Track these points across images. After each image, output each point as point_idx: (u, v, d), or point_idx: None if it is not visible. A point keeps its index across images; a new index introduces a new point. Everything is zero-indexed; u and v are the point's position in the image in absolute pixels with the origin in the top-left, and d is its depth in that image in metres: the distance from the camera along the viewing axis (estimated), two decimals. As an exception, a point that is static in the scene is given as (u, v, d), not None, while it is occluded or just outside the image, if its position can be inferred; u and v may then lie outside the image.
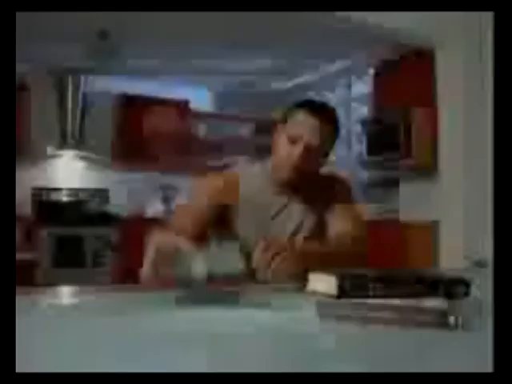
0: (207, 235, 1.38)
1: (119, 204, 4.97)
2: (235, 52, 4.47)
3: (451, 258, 3.35)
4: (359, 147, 4.50)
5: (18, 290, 0.73)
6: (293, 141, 1.33)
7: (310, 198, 1.46)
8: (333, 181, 1.54)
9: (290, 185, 1.39)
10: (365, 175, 4.87)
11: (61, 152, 4.88)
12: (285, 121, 1.39)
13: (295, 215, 1.45)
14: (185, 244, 0.91)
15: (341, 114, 5.23)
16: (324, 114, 1.35)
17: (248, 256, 1.07)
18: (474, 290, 0.81)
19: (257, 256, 1.04)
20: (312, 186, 1.45)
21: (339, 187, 1.51)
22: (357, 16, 3.02)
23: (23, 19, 2.23)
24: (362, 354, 0.63)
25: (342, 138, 5.21)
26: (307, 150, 1.32)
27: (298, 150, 1.32)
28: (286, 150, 1.34)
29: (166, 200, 5.20)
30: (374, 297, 0.78)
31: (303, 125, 1.33)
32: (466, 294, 0.81)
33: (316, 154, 1.35)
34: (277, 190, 1.43)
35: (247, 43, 4.21)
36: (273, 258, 1.03)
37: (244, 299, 0.99)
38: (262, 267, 1.03)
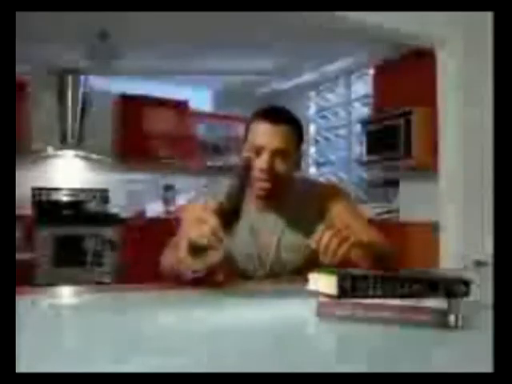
0: None
1: (119, 204, 4.98)
2: (235, 52, 4.47)
3: (451, 258, 3.35)
4: (359, 147, 4.50)
5: (18, 289, 0.73)
6: (257, 152, 1.32)
7: (291, 206, 1.42)
8: (318, 187, 1.51)
9: (270, 196, 1.37)
10: (365, 175, 4.88)
11: (61, 152, 4.88)
12: (246, 138, 1.39)
13: (275, 227, 1.42)
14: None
15: (341, 114, 5.24)
16: (275, 116, 1.35)
17: None
18: (474, 290, 0.81)
19: (325, 240, 1.05)
20: (293, 195, 1.43)
21: (331, 193, 1.47)
22: (357, 16, 3.02)
23: (23, 19, 2.23)
24: (362, 354, 0.63)
25: (343, 138, 5.22)
26: (272, 154, 1.31)
27: (264, 157, 1.31)
28: (254, 163, 1.32)
29: (166, 200, 5.20)
30: (374, 297, 0.78)
31: (259, 133, 1.33)
32: (466, 293, 0.81)
33: (283, 157, 1.33)
34: (258, 204, 1.41)
35: (247, 43, 4.21)
36: (340, 244, 1.06)
37: (244, 298, 0.99)
38: (330, 251, 1.06)
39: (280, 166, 1.33)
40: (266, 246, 1.41)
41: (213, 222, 0.98)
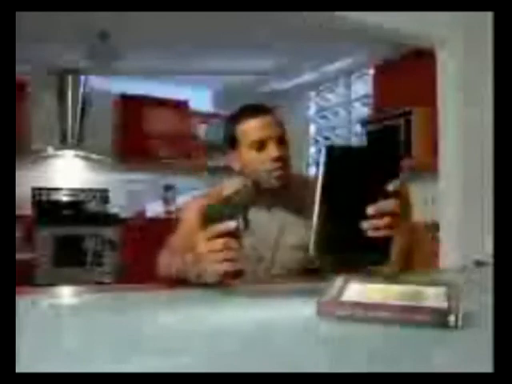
0: None
1: (119, 204, 4.98)
2: (235, 52, 4.47)
3: (451, 258, 3.34)
4: (359, 147, 4.49)
5: (18, 289, 0.72)
6: (259, 147, 1.32)
7: (293, 200, 1.39)
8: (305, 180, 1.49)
9: (283, 186, 1.34)
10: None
11: (61, 152, 4.88)
12: (232, 144, 1.38)
13: (277, 221, 1.40)
14: None
15: (341, 114, 5.24)
16: (259, 110, 1.37)
17: None
18: (474, 290, 0.81)
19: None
20: (293, 189, 1.40)
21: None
22: (357, 16, 3.02)
23: (23, 19, 2.23)
24: (362, 354, 0.63)
25: (343, 138, 5.21)
26: (277, 143, 1.33)
27: (271, 147, 1.32)
28: (258, 159, 1.32)
29: (166, 200, 5.20)
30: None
31: (256, 129, 1.33)
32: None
33: (284, 145, 1.35)
34: (263, 201, 1.39)
35: (247, 43, 4.20)
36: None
37: (244, 298, 0.99)
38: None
39: (286, 152, 1.35)
40: (262, 247, 1.39)
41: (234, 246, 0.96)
